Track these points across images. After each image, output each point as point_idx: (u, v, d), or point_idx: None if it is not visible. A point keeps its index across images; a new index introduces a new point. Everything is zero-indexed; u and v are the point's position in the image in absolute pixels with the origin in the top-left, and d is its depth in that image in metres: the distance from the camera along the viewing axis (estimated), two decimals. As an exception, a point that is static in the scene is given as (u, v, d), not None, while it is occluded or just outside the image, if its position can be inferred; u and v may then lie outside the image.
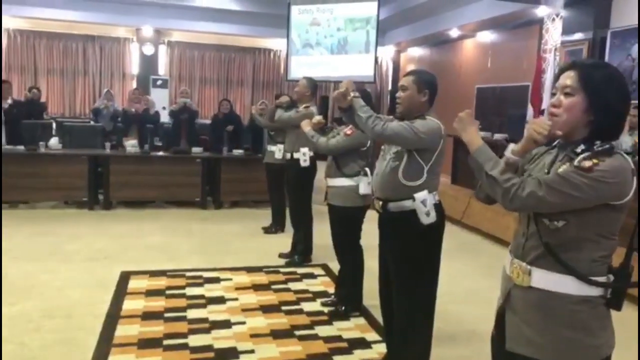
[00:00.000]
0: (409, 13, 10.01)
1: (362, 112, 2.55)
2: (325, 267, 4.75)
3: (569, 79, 1.52)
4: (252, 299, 3.95)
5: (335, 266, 4.04)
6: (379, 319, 3.13)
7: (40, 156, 6.59)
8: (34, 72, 11.42)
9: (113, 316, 3.50)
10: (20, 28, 11.18)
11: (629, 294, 1.62)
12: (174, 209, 7.08)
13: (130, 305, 3.71)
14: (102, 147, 6.97)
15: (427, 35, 10.41)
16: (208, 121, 8.44)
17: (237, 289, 4.14)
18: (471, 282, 4.59)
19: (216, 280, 4.32)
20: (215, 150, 7.22)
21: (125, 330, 3.29)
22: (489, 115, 8.69)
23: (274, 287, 4.23)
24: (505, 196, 1.51)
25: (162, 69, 11.99)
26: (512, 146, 1.58)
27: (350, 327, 3.50)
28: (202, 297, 3.93)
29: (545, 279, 1.52)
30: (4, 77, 10.50)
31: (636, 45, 5.96)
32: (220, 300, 3.90)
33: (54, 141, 6.92)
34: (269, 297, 3.99)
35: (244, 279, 4.38)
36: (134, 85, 11.30)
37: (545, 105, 6.92)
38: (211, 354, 3.05)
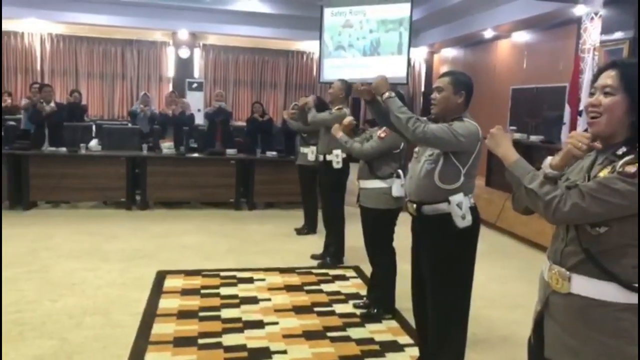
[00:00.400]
0: (442, 14, 9.91)
1: (400, 113, 2.52)
2: (357, 269, 4.75)
3: (609, 78, 1.48)
4: (284, 299, 3.98)
5: (367, 268, 4.04)
6: (412, 322, 3.12)
7: (80, 157, 6.80)
8: (76, 75, 11.77)
9: (150, 314, 3.58)
10: (62, 33, 11.54)
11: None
12: (208, 210, 7.19)
13: (166, 304, 3.79)
14: (140, 149, 7.13)
15: (460, 36, 10.28)
16: (243, 124, 8.55)
17: (270, 289, 4.18)
18: (505, 286, 4.52)
19: (249, 280, 4.37)
20: (249, 152, 7.31)
21: (161, 329, 3.37)
22: (525, 117, 8.53)
23: (306, 288, 4.26)
24: (548, 210, 1.46)
25: (197, 72, 12.20)
26: (549, 160, 1.53)
27: (383, 330, 3.50)
28: (235, 297, 3.99)
29: (586, 286, 1.47)
30: (47, 81, 10.91)
31: (680, 44, 5.76)
32: (254, 300, 3.94)
33: (93, 143, 7.12)
34: (302, 298, 4.02)
35: (277, 279, 4.42)
36: (170, 88, 11.52)
37: (582, 106, 6.76)
38: (244, 354, 3.09)
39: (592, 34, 6.98)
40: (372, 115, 3.01)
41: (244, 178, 7.28)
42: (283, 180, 7.04)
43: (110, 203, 7.11)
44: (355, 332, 3.44)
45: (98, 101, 11.92)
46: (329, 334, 3.39)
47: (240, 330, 3.39)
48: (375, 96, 2.77)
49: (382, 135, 3.49)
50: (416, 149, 2.72)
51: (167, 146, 7.15)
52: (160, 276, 4.35)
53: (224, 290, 4.11)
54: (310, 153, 5.62)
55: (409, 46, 9.87)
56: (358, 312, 3.77)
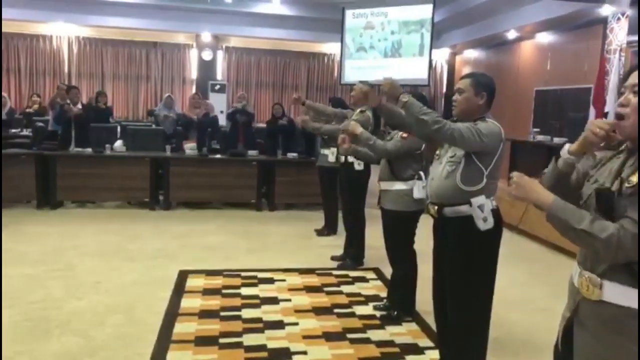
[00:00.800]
0: (464, 15, 9.84)
1: (424, 115, 2.49)
2: (377, 270, 4.74)
3: None
4: (304, 300, 4.00)
5: (387, 270, 4.03)
6: (432, 325, 3.10)
7: (105, 158, 6.91)
8: (101, 77, 11.99)
9: (171, 314, 3.62)
10: (88, 36, 11.78)
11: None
12: (230, 210, 7.25)
13: (188, 303, 3.84)
14: (163, 150, 7.22)
15: (483, 37, 10.20)
16: (264, 125, 8.60)
17: (290, 290, 4.20)
18: (527, 290, 4.45)
19: (270, 280, 4.40)
20: (270, 153, 7.36)
21: (183, 328, 3.41)
22: (549, 119, 8.42)
23: (326, 289, 4.27)
24: (608, 250, 1.37)
25: (220, 74, 12.33)
26: (567, 146, 1.52)
27: (403, 332, 3.49)
28: (256, 297, 4.02)
29: (618, 294, 1.42)
30: (74, 83, 11.14)
31: None
32: (274, 300, 3.97)
33: (118, 144, 7.24)
34: (322, 299, 4.03)
35: (297, 280, 4.44)
36: (193, 89, 11.65)
37: (608, 108, 6.64)
38: (265, 354, 3.11)
39: (619, 35, 6.86)
40: (384, 119, 2.96)
41: (265, 179, 7.33)
42: (304, 182, 7.06)
43: (134, 203, 7.22)
44: (375, 334, 3.44)
45: (123, 103, 12.14)
46: (349, 336, 3.40)
47: (260, 331, 3.42)
48: (381, 102, 2.74)
49: (405, 135, 3.49)
50: (438, 151, 2.70)
51: (190, 147, 7.24)
52: (182, 276, 4.40)
53: (245, 291, 4.14)
54: (330, 154, 5.63)
55: (431, 48, 9.83)
56: (378, 314, 3.76)
